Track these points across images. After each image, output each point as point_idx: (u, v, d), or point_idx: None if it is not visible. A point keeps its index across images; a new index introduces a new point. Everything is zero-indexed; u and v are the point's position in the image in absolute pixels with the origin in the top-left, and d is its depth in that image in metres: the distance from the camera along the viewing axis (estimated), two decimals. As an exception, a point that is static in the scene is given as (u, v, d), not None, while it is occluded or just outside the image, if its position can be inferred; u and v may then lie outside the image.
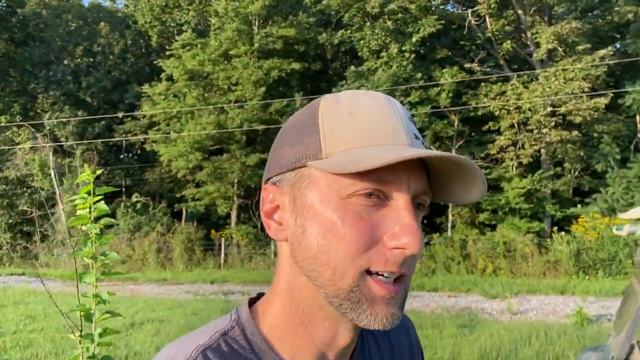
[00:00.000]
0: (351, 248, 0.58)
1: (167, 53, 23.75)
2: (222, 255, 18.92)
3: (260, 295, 0.72)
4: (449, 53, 21.80)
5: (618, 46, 21.82)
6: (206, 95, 22.19)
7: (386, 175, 0.58)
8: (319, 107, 0.64)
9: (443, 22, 21.05)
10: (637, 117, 20.17)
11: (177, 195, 22.89)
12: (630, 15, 21.72)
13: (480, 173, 0.59)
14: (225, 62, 22.10)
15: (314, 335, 0.64)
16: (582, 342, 6.03)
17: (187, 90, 22.21)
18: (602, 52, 19.61)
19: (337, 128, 0.61)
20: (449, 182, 0.64)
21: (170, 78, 23.09)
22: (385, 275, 0.58)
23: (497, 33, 21.67)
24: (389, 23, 21.00)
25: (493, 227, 19.04)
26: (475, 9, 21.56)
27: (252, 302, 0.72)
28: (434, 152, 0.56)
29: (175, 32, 26.47)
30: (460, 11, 23.10)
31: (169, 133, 22.46)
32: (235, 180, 21.05)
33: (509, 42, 21.40)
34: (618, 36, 22.82)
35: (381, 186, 0.58)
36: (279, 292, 0.66)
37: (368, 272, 0.58)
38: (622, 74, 21.23)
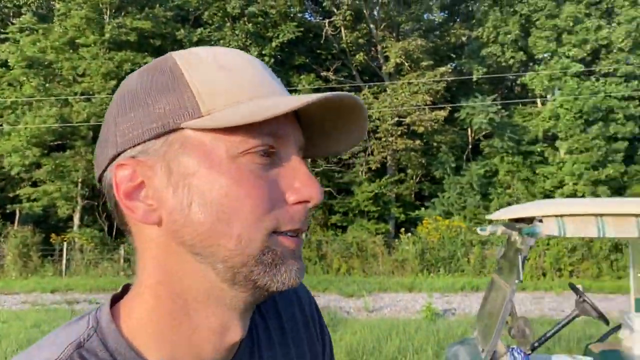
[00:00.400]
0: (255, 210, 0.53)
1: (2, 37, 21.24)
2: (64, 261, 17.35)
3: (128, 290, 0.61)
4: (307, 60, 22.46)
5: (455, 65, 24.26)
6: (47, 85, 20.23)
7: (277, 129, 0.55)
8: (178, 63, 0.56)
9: (302, 29, 21.62)
10: (469, 130, 22.58)
11: (10, 195, 20.50)
12: (464, 38, 24.29)
13: (365, 112, 0.57)
14: (71, 51, 20.38)
15: (198, 330, 0.56)
16: (436, 336, 6.59)
17: (25, 79, 20.07)
18: (442, 69, 21.67)
19: (212, 82, 0.55)
20: (327, 131, 0.62)
21: (4, 64, 20.69)
22: (289, 234, 0.55)
23: (351, 45, 22.83)
24: (249, 26, 21.03)
25: (344, 229, 19.98)
26: (332, 19, 22.47)
27: (117, 300, 0.60)
28: (337, 93, 0.54)
29: (12, 14, 23.75)
30: (317, 21, 23.91)
31: (1, 125, 20.07)
32: (80, 180, 19.46)
33: (361, 54, 22.68)
34: (454, 56, 25.39)
35: (274, 141, 0.55)
36: (149, 285, 0.56)
37: (274, 232, 0.54)
38: (458, 91, 23.64)
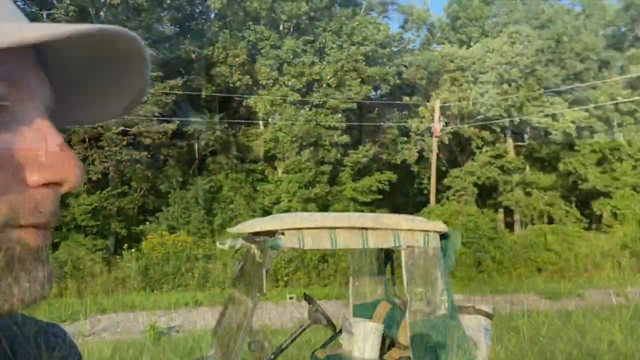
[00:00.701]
0: None
1: None
2: None
3: None
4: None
5: (185, 80, 24.30)
6: None
7: (13, 74, 0.37)
8: None
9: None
10: (196, 145, 22.83)
11: None
12: (194, 55, 24.58)
13: (147, 58, 0.42)
14: None
15: None
16: (162, 356, 6.31)
17: None
18: (172, 82, 21.47)
19: None
20: (89, 87, 0.45)
21: None
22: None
23: (75, 42, 20.94)
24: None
25: (56, 246, 17.92)
26: (51, 11, 20.24)
27: None
28: (109, 26, 0.38)
29: None
30: (34, 10, 21.22)
31: None
32: None
33: (85, 54, 20.98)
34: (184, 71, 25.43)
35: (7, 91, 0.37)
36: None
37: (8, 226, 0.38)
38: (187, 105, 23.70)
